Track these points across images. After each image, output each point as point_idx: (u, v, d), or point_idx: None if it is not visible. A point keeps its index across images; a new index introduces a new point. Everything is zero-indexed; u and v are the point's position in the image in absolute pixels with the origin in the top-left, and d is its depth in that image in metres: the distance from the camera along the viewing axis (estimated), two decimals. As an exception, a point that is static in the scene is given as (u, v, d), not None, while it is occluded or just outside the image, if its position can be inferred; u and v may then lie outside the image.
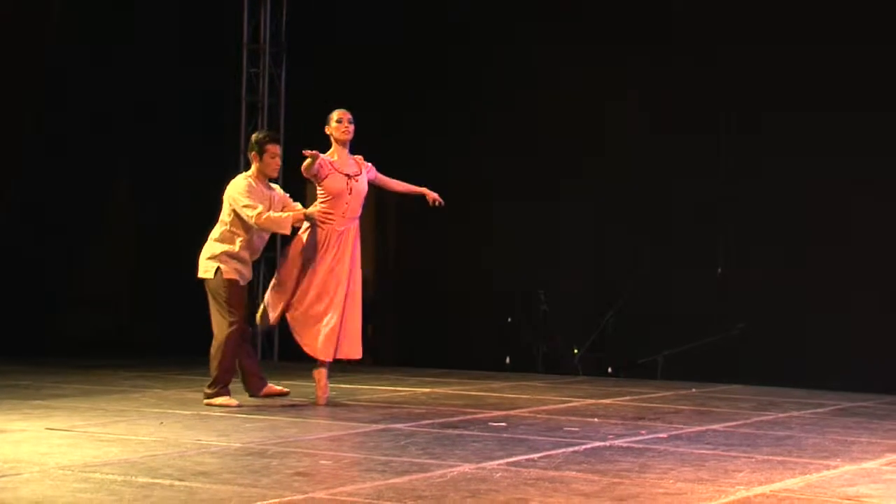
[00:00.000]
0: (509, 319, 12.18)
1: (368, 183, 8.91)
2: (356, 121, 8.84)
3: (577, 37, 11.90)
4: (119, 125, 13.14)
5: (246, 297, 8.92)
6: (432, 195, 8.98)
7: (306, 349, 8.78)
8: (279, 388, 9.09)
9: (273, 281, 8.86)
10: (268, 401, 8.89)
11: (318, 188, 8.73)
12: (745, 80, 11.29)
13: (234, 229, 8.68)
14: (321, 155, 8.58)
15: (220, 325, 8.63)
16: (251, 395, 8.90)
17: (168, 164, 13.14)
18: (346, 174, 8.71)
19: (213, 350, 8.64)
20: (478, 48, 12.35)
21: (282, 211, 8.73)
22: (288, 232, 8.74)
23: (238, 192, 8.65)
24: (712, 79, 11.38)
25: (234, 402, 8.57)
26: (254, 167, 8.79)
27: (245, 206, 8.59)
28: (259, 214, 8.56)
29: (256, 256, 8.92)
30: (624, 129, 11.68)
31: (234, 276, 8.66)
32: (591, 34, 11.86)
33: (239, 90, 12.94)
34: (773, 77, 11.19)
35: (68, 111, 12.82)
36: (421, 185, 9.06)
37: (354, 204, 8.74)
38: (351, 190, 8.70)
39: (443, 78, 12.54)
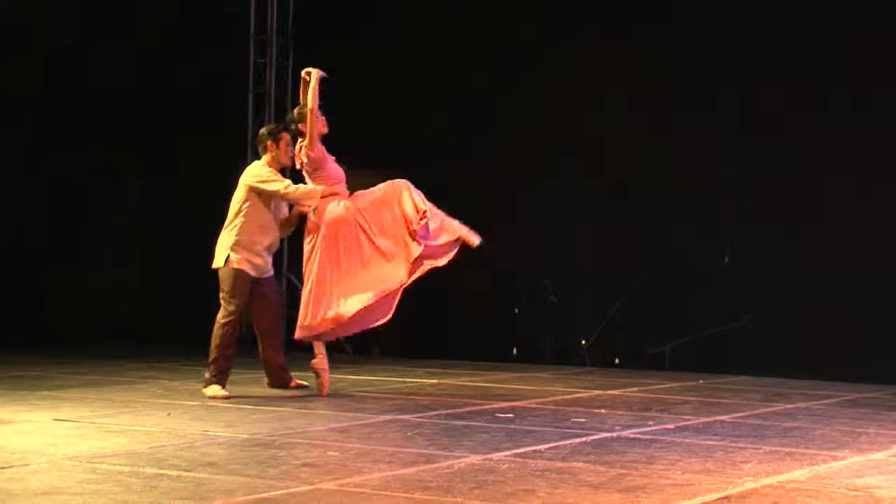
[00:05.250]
0: (516, 310, 12.17)
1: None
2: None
3: (577, 34, 11.89)
4: (125, 117, 13.14)
5: (275, 290, 8.94)
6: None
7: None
8: (301, 382, 9.12)
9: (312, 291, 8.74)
10: (273, 391, 8.91)
11: (316, 177, 8.72)
12: (748, 78, 11.26)
13: (246, 219, 8.69)
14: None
15: (219, 313, 8.69)
16: (273, 387, 8.93)
17: (175, 155, 13.14)
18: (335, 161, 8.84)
19: (212, 339, 8.69)
20: (479, 41, 12.32)
21: (287, 211, 8.88)
22: (316, 203, 8.68)
23: (259, 175, 8.71)
24: (715, 75, 11.35)
25: (223, 392, 8.57)
26: (268, 157, 8.83)
27: (270, 182, 8.65)
28: (287, 186, 8.65)
29: (274, 246, 8.91)
30: (629, 119, 11.65)
31: (242, 266, 8.67)
32: (590, 32, 11.85)
33: (246, 81, 12.95)
34: (777, 74, 11.16)
35: (71, 103, 12.83)
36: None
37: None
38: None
39: (446, 70, 12.52)
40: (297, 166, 8.87)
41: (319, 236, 8.66)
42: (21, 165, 12.56)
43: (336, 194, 8.72)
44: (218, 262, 8.75)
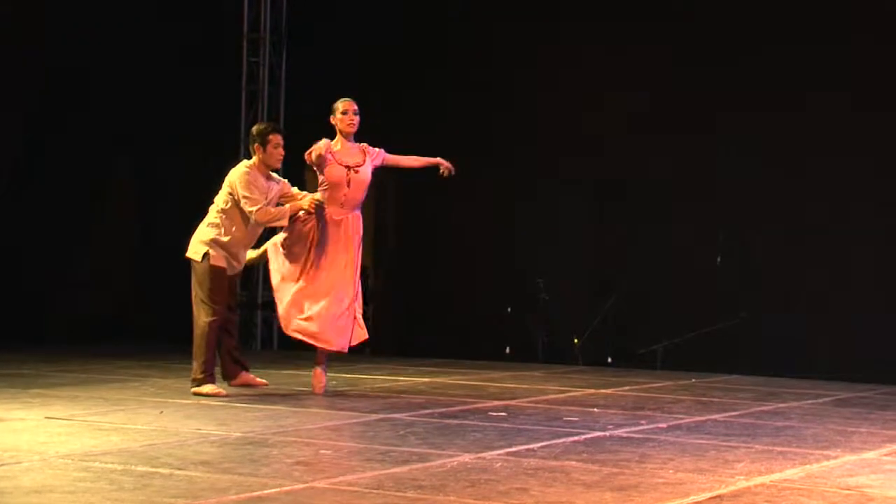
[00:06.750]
0: (509, 309, 12.17)
1: (384, 166, 8.92)
2: (360, 111, 8.83)
3: (576, 35, 11.90)
4: (119, 114, 13.14)
5: (237, 286, 8.92)
6: (445, 164, 8.90)
7: (323, 345, 8.75)
8: (260, 379, 9.05)
9: (278, 280, 8.80)
10: (267, 390, 8.88)
11: (319, 177, 8.74)
12: (745, 76, 11.28)
13: (228, 217, 8.63)
14: (327, 142, 8.58)
15: (202, 313, 8.59)
16: (226, 382, 8.85)
17: (169, 153, 13.14)
18: (346, 165, 8.70)
19: (195, 339, 8.60)
20: (479, 41, 12.32)
21: (281, 199, 8.76)
22: (286, 224, 8.69)
23: (240, 183, 8.61)
24: (712, 74, 11.36)
25: (222, 391, 8.54)
26: (256, 158, 8.73)
27: (245, 199, 8.56)
28: (258, 210, 8.55)
29: (250, 246, 8.87)
30: (623, 119, 11.66)
31: (221, 263, 8.61)
32: (590, 32, 11.87)
33: (239, 79, 12.94)
34: (774, 72, 11.18)
35: (67, 101, 12.84)
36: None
37: (354, 194, 8.73)
38: (349, 181, 8.69)
39: (442, 67, 12.52)
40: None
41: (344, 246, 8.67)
42: (17, 163, 12.55)
43: (299, 210, 8.66)
44: (193, 255, 8.64)
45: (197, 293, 8.64)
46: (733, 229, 11.38)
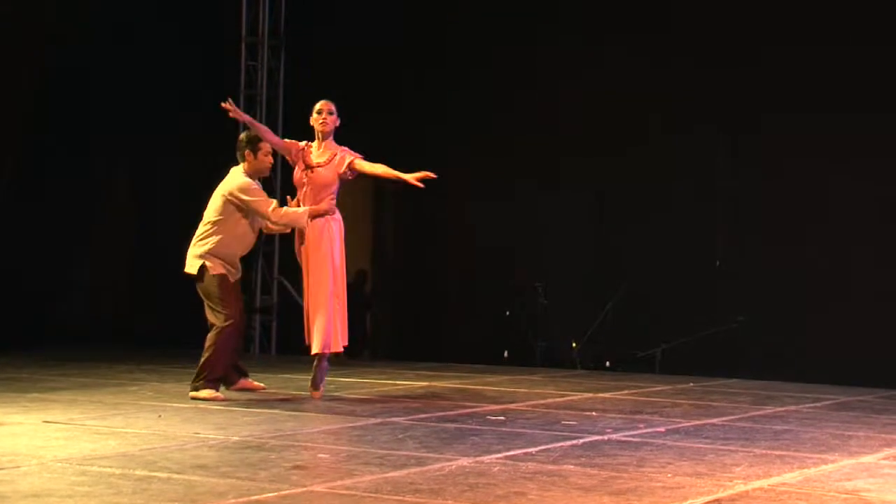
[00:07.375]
0: (507, 313, 12.17)
1: (356, 173, 8.83)
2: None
3: (575, 36, 11.91)
4: (119, 114, 13.16)
5: (239, 291, 8.92)
6: (413, 179, 8.50)
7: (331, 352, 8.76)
8: (258, 384, 9.05)
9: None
10: (265, 394, 8.88)
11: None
12: (744, 78, 11.29)
13: (221, 228, 8.58)
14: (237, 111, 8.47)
15: (216, 319, 8.59)
16: (224, 386, 8.83)
17: (169, 156, 13.15)
18: (306, 165, 8.67)
19: (207, 342, 8.61)
20: (479, 41, 12.33)
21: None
22: (305, 226, 8.58)
23: (243, 190, 8.56)
24: (711, 77, 11.38)
25: (220, 395, 8.53)
26: (245, 165, 8.68)
27: (256, 202, 8.53)
28: (275, 210, 8.54)
29: (244, 253, 8.83)
30: (624, 123, 11.67)
31: (221, 271, 8.59)
32: (590, 32, 11.88)
33: (237, 84, 12.94)
34: (773, 74, 11.20)
35: (66, 104, 12.85)
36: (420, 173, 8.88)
37: (312, 194, 8.63)
38: (306, 181, 8.65)
39: (441, 70, 12.53)
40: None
41: (335, 251, 8.64)
42: (15, 164, 12.56)
43: (324, 212, 8.64)
44: (191, 270, 8.63)
45: (207, 305, 8.65)
46: (732, 232, 11.39)
